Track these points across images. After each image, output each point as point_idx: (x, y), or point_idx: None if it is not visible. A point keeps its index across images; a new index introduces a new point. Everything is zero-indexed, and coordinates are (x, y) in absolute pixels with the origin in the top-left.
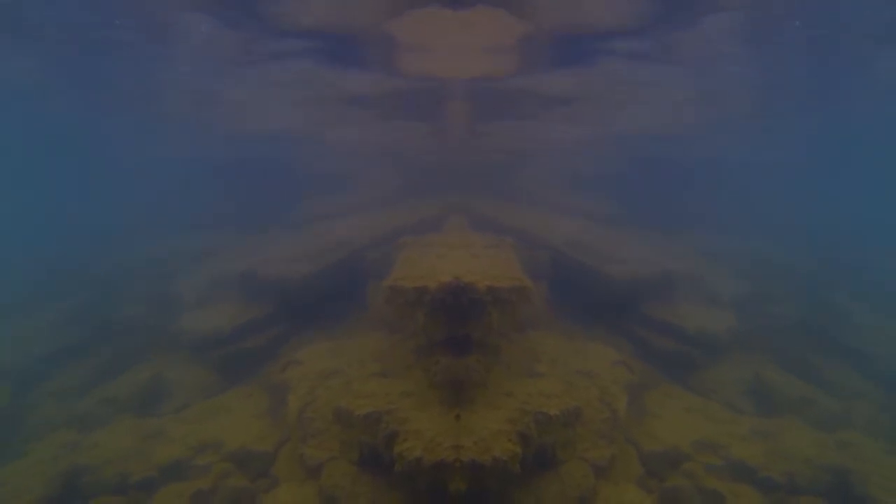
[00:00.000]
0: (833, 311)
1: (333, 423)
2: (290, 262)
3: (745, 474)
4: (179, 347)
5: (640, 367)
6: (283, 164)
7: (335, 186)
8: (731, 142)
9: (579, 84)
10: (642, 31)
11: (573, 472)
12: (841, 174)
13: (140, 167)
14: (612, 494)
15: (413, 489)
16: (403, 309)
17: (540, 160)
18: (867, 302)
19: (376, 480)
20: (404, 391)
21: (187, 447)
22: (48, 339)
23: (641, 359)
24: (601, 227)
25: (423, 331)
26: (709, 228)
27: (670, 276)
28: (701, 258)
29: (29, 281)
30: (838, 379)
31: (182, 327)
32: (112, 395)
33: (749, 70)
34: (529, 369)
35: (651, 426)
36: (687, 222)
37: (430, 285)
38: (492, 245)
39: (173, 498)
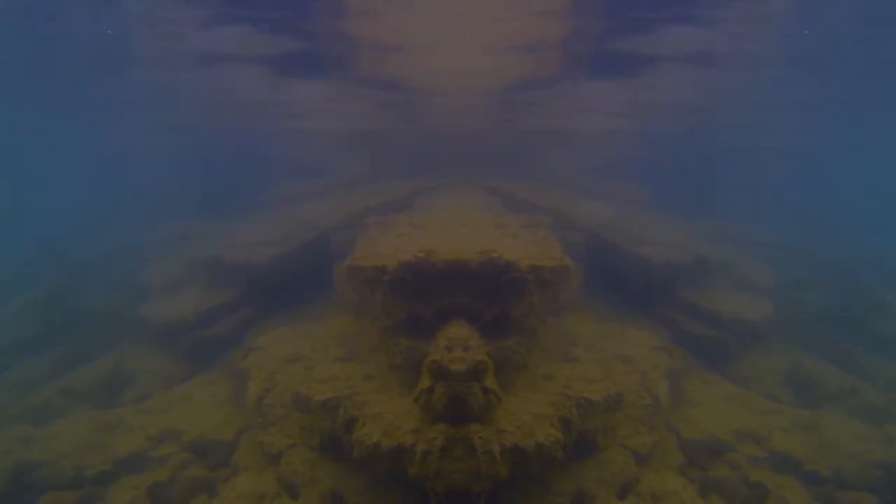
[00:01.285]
0: (868, 301)
1: (293, 410)
2: (262, 245)
3: (789, 467)
4: (143, 336)
5: (677, 354)
6: (287, 155)
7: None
8: (762, 131)
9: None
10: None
11: (614, 459)
12: (872, 166)
13: (116, 157)
14: (655, 482)
15: (373, 474)
16: (362, 289)
17: (567, 145)
18: None
19: (337, 466)
20: (365, 374)
21: (146, 438)
22: (10, 331)
23: (676, 344)
24: (632, 210)
25: (383, 311)
26: (737, 216)
27: (704, 260)
28: (731, 245)
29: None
30: (878, 370)
31: (146, 315)
32: (71, 387)
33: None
34: (566, 353)
35: (690, 414)
36: (715, 209)
37: (389, 264)
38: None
39: (130, 491)
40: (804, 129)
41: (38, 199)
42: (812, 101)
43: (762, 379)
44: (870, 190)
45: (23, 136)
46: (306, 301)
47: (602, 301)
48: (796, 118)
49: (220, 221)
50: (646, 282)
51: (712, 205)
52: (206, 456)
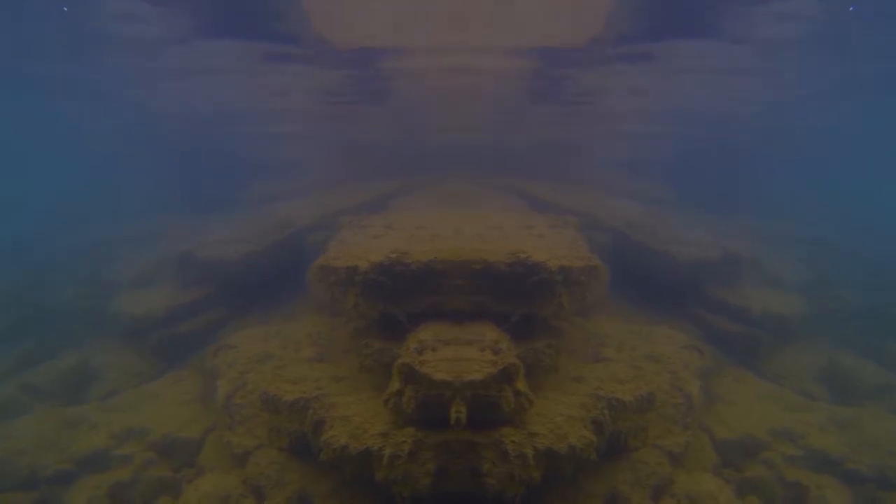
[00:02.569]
0: None
1: (262, 410)
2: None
3: (827, 465)
4: (112, 332)
5: (708, 352)
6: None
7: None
8: (787, 123)
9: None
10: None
11: (647, 460)
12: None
13: (89, 151)
14: (689, 483)
15: (341, 477)
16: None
17: (590, 144)
18: None
19: (304, 469)
20: (335, 376)
21: (110, 436)
22: None
23: (706, 343)
24: (657, 209)
25: (355, 312)
26: (765, 212)
27: (732, 257)
28: (759, 241)
29: None
30: None
31: (115, 311)
32: (33, 383)
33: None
34: (596, 354)
35: (722, 413)
36: (742, 206)
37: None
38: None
39: (89, 491)
40: (828, 124)
41: (10, 193)
42: (835, 95)
43: (796, 376)
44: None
45: None
46: (280, 300)
47: (629, 301)
48: (820, 112)
49: (196, 219)
50: (673, 280)
51: (739, 202)
52: (171, 455)
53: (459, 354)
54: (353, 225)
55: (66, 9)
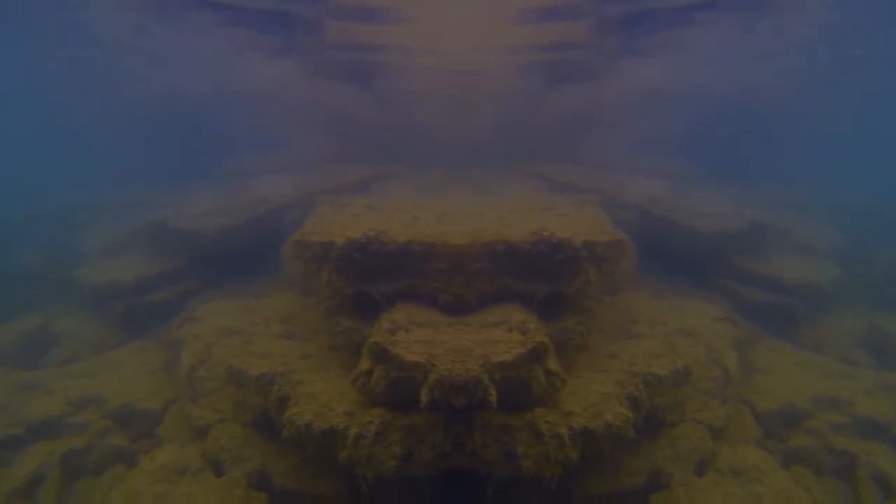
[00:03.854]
0: None
1: (226, 383)
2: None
3: (875, 432)
4: (75, 298)
5: (742, 323)
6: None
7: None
8: (814, 88)
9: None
10: None
11: (688, 435)
12: None
13: (65, 117)
14: (733, 457)
15: (303, 455)
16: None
17: (606, 124)
18: None
19: (266, 445)
20: (304, 353)
21: (66, 402)
22: None
23: (739, 314)
24: (680, 184)
25: (328, 289)
26: (793, 180)
27: (760, 226)
28: (789, 210)
29: None
30: None
31: (82, 277)
32: None
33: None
34: (627, 330)
35: (762, 384)
36: (770, 177)
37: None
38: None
39: (41, 457)
40: (849, 84)
41: None
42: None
43: (835, 344)
44: None
45: None
46: (253, 276)
47: (657, 277)
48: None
49: (174, 190)
50: (700, 253)
51: (762, 171)
52: (129, 425)
53: (435, 337)
54: (332, 203)
55: None
